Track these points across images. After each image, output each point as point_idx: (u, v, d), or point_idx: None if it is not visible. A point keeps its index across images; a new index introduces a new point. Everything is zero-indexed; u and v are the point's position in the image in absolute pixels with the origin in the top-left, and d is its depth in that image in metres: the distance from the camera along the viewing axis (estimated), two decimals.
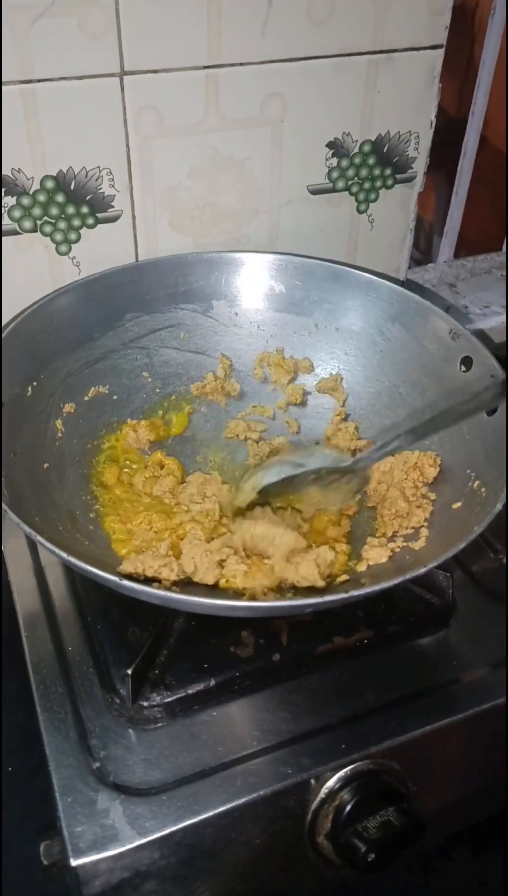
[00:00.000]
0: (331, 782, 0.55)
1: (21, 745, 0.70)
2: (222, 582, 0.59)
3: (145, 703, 0.58)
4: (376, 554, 0.60)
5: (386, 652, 0.63)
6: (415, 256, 0.96)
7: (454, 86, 1.02)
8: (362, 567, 0.59)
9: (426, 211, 1.25)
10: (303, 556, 0.58)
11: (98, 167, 0.70)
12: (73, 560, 0.49)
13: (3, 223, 0.70)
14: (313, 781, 0.55)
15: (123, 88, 0.67)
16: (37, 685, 0.60)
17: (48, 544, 0.50)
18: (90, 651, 0.62)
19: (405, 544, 0.60)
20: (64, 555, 0.49)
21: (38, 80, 0.65)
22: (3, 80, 0.63)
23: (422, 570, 0.50)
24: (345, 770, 0.56)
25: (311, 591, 0.57)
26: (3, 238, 0.71)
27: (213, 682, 0.59)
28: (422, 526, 0.60)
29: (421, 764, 0.59)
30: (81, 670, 0.61)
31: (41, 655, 0.62)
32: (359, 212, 0.83)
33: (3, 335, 0.65)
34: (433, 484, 0.64)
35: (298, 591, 0.58)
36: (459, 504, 0.60)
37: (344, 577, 0.59)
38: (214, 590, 0.57)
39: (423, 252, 1.25)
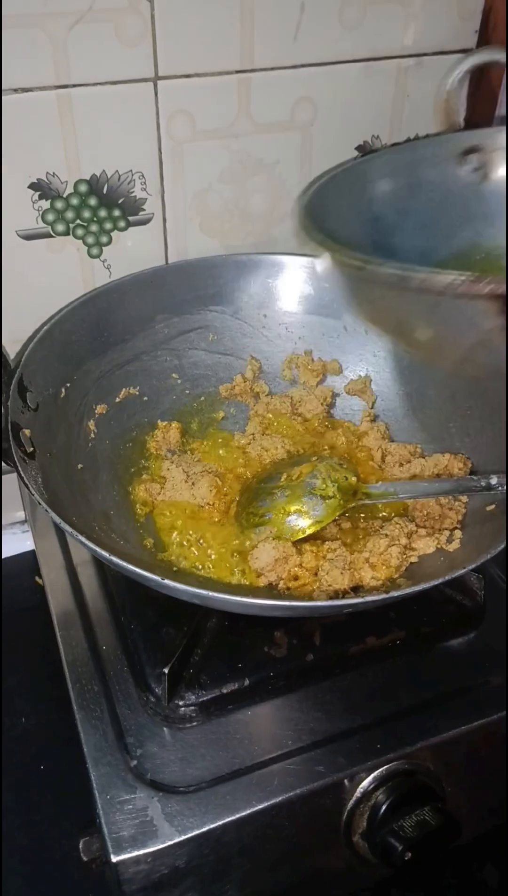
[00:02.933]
0: (366, 782, 0.56)
1: (53, 743, 0.71)
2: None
3: (181, 703, 0.58)
4: (423, 544, 0.60)
5: (418, 653, 0.63)
6: None
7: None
8: (413, 558, 0.59)
9: None
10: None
11: (131, 171, 0.71)
12: (115, 559, 0.49)
13: (37, 226, 0.71)
14: (348, 781, 0.55)
15: (156, 93, 0.68)
16: (73, 684, 0.60)
17: (89, 543, 0.50)
18: (124, 651, 0.62)
19: (439, 546, 0.60)
20: (105, 554, 0.49)
21: (74, 86, 0.65)
22: (39, 86, 0.64)
23: (461, 572, 0.50)
24: (380, 770, 0.56)
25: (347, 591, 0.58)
26: (38, 241, 0.71)
27: (247, 682, 0.59)
28: (455, 528, 0.60)
29: (455, 765, 0.59)
30: (115, 669, 0.61)
31: (76, 655, 0.62)
32: None
33: (37, 337, 0.66)
34: None
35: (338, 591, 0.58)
36: (493, 506, 0.60)
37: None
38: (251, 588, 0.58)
39: None
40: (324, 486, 0.63)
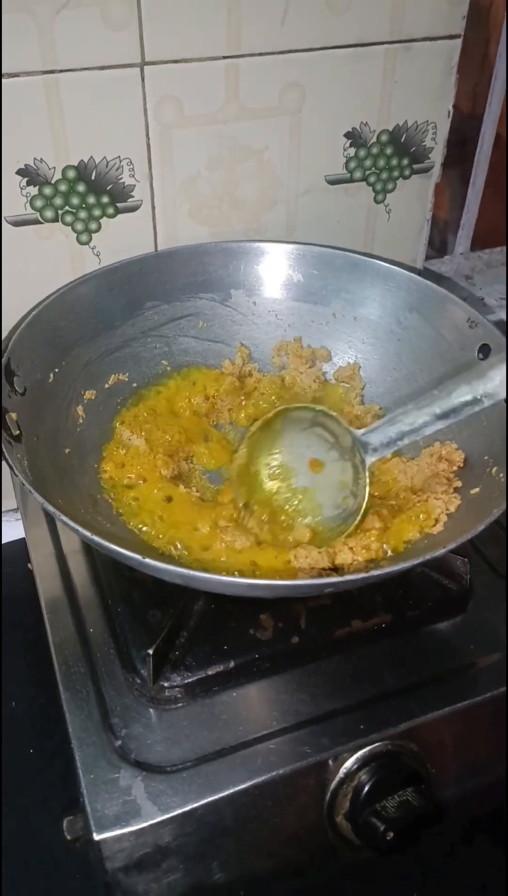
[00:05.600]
0: (350, 762, 0.56)
1: (43, 727, 0.71)
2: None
3: (166, 684, 0.58)
4: (406, 528, 0.60)
5: (404, 636, 0.63)
6: (429, 254, 0.96)
7: (468, 84, 1.02)
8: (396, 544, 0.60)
9: (441, 209, 1.25)
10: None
11: (119, 157, 0.71)
12: (96, 538, 0.49)
13: (25, 212, 0.71)
14: (331, 761, 0.56)
15: (143, 78, 0.68)
16: (59, 665, 0.60)
17: (72, 523, 0.50)
18: (111, 633, 0.63)
19: (422, 525, 0.60)
20: (87, 534, 0.49)
21: (61, 71, 0.65)
22: (26, 71, 0.64)
23: (440, 552, 0.50)
24: (364, 750, 0.56)
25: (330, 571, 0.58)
26: (26, 227, 0.72)
27: (232, 664, 0.59)
28: (443, 513, 0.61)
29: (440, 746, 0.59)
30: (102, 651, 0.62)
31: (63, 637, 0.62)
32: (376, 202, 0.83)
33: (25, 322, 0.66)
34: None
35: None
36: (477, 490, 0.60)
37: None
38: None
39: (438, 249, 1.25)
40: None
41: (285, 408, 0.68)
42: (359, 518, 0.63)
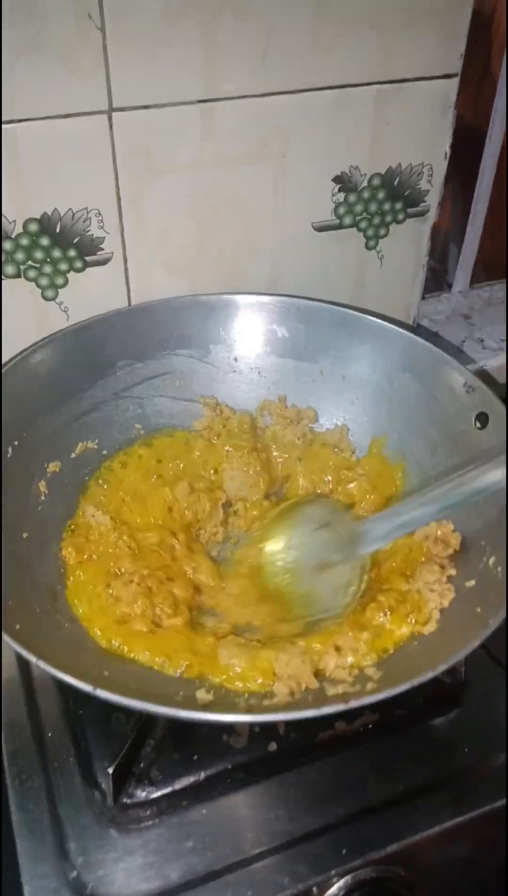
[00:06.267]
0: (329, 893, 0.51)
1: None
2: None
3: (129, 801, 0.54)
4: (397, 628, 0.55)
5: (392, 738, 0.58)
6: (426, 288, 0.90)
7: (469, 89, 0.95)
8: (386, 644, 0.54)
9: (443, 223, 1.18)
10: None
11: (86, 209, 0.66)
12: (41, 664, 0.44)
13: None
14: (309, 891, 0.50)
15: (111, 126, 0.63)
16: (12, 779, 0.55)
17: (14, 644, 0.45)
18: (71, 738, 0.57)
19: (414, 627, 0.55)
20: (33, 658, 0.44)
21: (20, 120, 0.60)
22: None
23: (430, 674, 0.45)
24: (346, 878, 0.51)
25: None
26: None
27: (203, 776, 0.55)
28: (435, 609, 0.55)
29: (431, 870, 0.54)
30: (60, 759, 0.56)
31: (19, 744, 0.57)
32: (368, 248, 0.78)
33: None
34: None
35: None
36: (473, 583, 0.55)
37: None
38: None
39: (438, 261, 1.17)
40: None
41: (301, 499, 0.65)
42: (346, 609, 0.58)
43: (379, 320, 0.70)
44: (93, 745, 0.56)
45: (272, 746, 0.56)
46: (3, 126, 0.60)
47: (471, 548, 0.59)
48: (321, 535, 0.62)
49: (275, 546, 0.64)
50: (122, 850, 0.52)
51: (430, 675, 0.45)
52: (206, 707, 0.49)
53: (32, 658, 0.44)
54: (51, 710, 0.59)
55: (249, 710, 0.49)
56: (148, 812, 0.53)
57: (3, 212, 0.63)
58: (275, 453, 0.73)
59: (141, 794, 0.54)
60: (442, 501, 0.53)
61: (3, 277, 0.66)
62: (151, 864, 0.51)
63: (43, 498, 0.63)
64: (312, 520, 0.64)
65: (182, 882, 0.50)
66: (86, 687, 0.43)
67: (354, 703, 0.43)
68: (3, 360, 0.65)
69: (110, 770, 0.52)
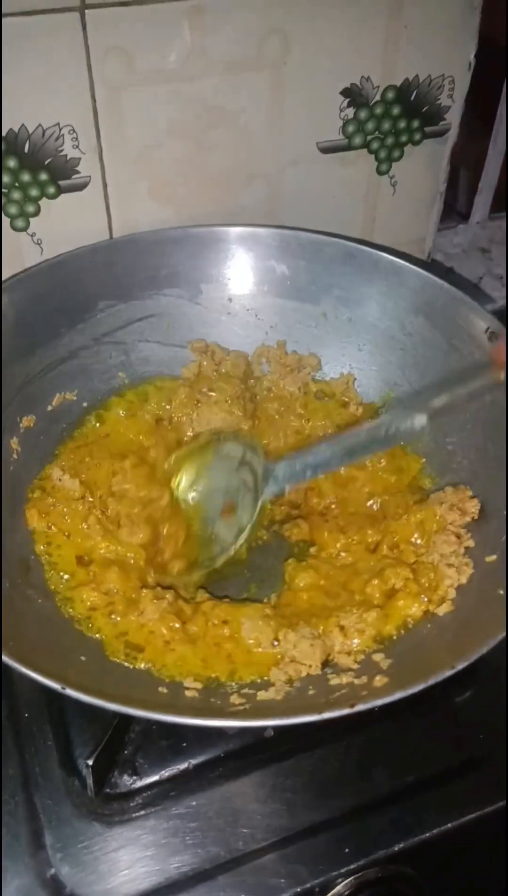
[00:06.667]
0: (333, 894, 0.46)
1: None
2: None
3: (111, 791, 0.49)
4: (409, 606, 0.49)
5: (401, 721, 0.53)
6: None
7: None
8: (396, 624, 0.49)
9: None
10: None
11: (58, 124, 0.58)
12: (6, 659, 0.38)
13: None
14: (312, 893, 0.46)
15: (84, 26, 0.55)
16: None
17: None
18: (50, 720, 0.52)
19: (427, 606, 0.49)
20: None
21: None
22: None
23: (447, 673, 0.39)
24: (349, 879, 0.46)
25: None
26: None
27: (192, 764, 0.50)
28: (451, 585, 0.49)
29: (442, 869, 0.49)
30: (37, 744, 0.52)
31: None
32: (380, 173, 0.70)
33: None
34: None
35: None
36: (494, 557, 0.49)
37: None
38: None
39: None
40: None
41: (217, 437, 0.59)
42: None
43: (391, 256, 0.62)
44: (73, 729, 0.52)
45: (269, 732, 0.51)
46: None
47: (492, 517, 0.53)
48: (235, 477, 0.58)
49: (188, 477, 0.60)
50: (104, 845, 0.47)
51: (448, 673, 0.39)
52: (193, 701, 0.44)
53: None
54: (27, 688, 0.54)
55: (241, 706, 0.44)
56: (133, 803, 0.49)
57: None
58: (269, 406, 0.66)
59: (125, 784, 0.49)
60: (352, 444, 0.52)
61: None
62: (136, 862, 0.47)
63: (15, 457, 0.57)
64: (227, 458, 0.59)
65: (170, 883, 0.46)
66: (54, 686, 0.38)
67: (361, 707, 0.38)
68: None
69: (90, 761, 0.47)
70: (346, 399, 0.65)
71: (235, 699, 0.45)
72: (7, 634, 0.42)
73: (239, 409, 0.63)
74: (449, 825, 0.48)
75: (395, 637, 0.48)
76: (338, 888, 0.47)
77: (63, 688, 0.38)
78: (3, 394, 0.57)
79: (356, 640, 0.48)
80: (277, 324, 0.66)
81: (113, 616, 0.50)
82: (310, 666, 0.47)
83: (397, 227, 0.73)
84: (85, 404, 0.62)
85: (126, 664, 0.48)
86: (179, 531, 0.56)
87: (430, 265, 0.71)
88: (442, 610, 0.48)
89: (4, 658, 0.39)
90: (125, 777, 0.50)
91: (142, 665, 0.48)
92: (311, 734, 0.52)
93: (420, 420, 0.49)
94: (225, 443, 0.59)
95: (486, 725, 0.53)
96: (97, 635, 0.49)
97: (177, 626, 0.48)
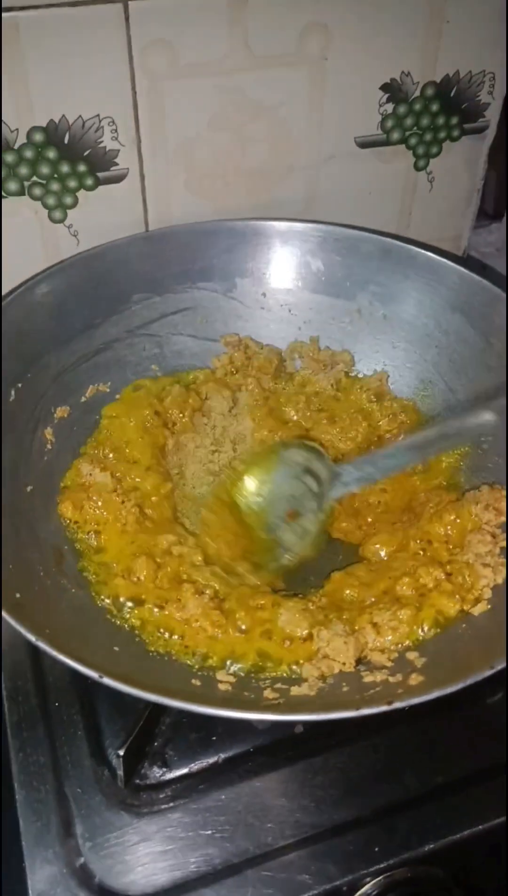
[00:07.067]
0: (360, 893, 0.46)
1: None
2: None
3: (141, 783, 0.49)
4: (444, 605, 0.49)
5: (432, 721, 0.52)
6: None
7: None
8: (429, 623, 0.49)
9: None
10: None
11: (98, 116, 0.58)
12: (41, 645, 0.38)
13: None
14: (340, 891, 0.46)
15: (127, 18, 0.55)
16: (16, 752, 0.51)
17: (12, 620, 0.40)
18: (80, 710, 0.52)
19: (462, 606, 0.49)
20: (32, 638, 0.39)
21: (22, 8, 0.52)
22: None
23: (486, 672, 0.39)
24: (378, 879, 0.46)
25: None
26: None
27: (222, 758, 0.50)
28: (486, 586, 0.49)
29: (474, 871, 0.49)
30: (68, 733, 0.52)
31: (23, 713, 0.52)
32: (417, 168, 0.70)
33: None
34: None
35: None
36: None
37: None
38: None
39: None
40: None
41: (281, 443, 0.60)
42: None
43: (429, 252, 0.61)
44: (103, 719, 0.52)
45: (299, 728, 0.51)
46: (3, 14, 0.51)
47: None
48: (299, 484, 0.58)
49: (252, 484, 0.59)
50: (133, 836, 0.47)
51: (486, 672, 0.39)
52: (226, 694, 0.44)
53: (32, 638, 0.39)
54: (58, 676, 0.54)
55: (275, 701, 0.44)
56: (162, 795, 0.49)
57: (3, 119, 0.55)
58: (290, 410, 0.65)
59: (155, 776, 0.49)
60: (421, 444, 0.51)
61: (4, 195, 0.59)
62: (163, 854, 0.46)
63: (49, 447, 0.57)
64: (293, 464, 0.59)
65: (198, 876, 0.46)
66: (92, 674, 0.38)
67: (398, 704, 0.37)
68: (5, 291, 0.58)
69: (121, 752, 0.47)
70: (379, 397, 0.64)
71: (268, 693, 0.44)
72: (43, 623, 0.42)
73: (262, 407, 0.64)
74: (480, 827, 0.48)
75: (429, 636, 0.48)
76: (366, 888, 0.46)
77: (100, 676, 0.38)
78: (40, 384, 0.57)
79: (389, 638, 0.48)
80: (311, 319, 0.66)
81: (148, 607, 0.49)
82: (343, 663, 0.47)
83: (433, 224, 0.73)
84: (117, 396, 0.62)
85: (158, 655, 0.48)
86: (240, 538, 0.56)
87: (465, 261, 0.70)
88: (478, 610, 0.48)
89: (43, 646, 0.39)
90: (155, 769, 0.50)
91: (174, 653, 0.48)
92: (340, 732, 0.52)
93: (490, 417, 0.49)
94: (290, 449, 0.59)
95: None
96: (131, 626, 0.49)
97: (217, 619, 0.48)
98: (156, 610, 0.49)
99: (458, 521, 0.54)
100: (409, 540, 0.54)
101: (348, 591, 0.51)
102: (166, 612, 0.49)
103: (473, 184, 0.72)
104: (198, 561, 0.53)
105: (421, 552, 0.53)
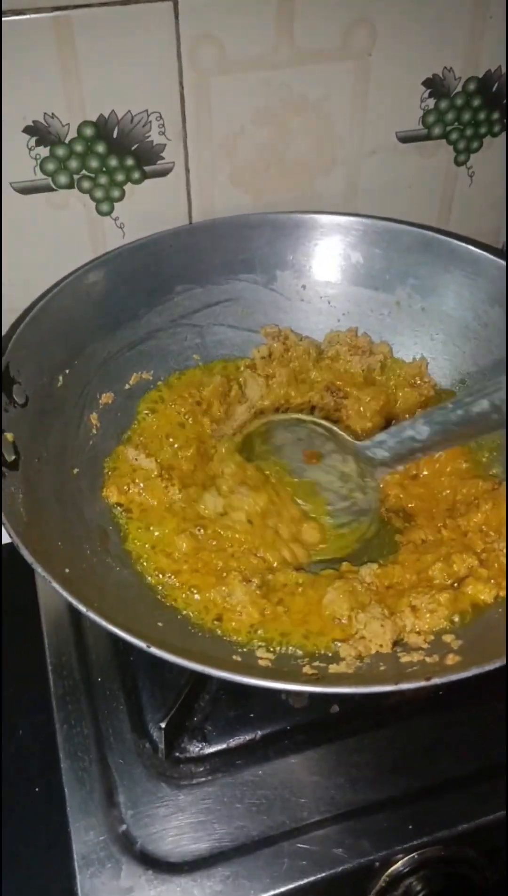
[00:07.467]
0: (394, 869, 0.47)
1: (53, 761, 0.63)
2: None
3: (181, 756, 0.51)
4: (481, 591, 0.49)
5: (467, 707, 0.53)
6: None
7: None
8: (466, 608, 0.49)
9: None
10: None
11: (146, 111, 0.59)
12: (91, 615, 0.40)
13: (35, 177, 0.60)
14: (371, 869, 0.47)
15: (177, 15, 0.56)
16: (60, 724, 0.53)
17: (64, 592, 0.41)
18: (122, 685, 0.54)
19: (499, 592, 0.50)
20: (83, 608, 0.40)
21: (75, 7, 0.53)
22: (32, 7, 0.52)
23: None
24: (412, 856, 0.47)
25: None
26: (36, 195, 0.61)
27: (259, 735, 0.52)
28: None
29: (504, 852, 0.50)
30: (110, 707, 0.54)
31: (68, 687, 0.54)
32: (458, 163, 0.70)
33: (31, 315, 0.56)
34: None
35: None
36: None
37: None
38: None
39: None
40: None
41: (268, 420, 0.60)
42: (374, 521, 0.56)
43: (469, 246, 0.62)
44: (145, 694, 0.54)
45: (334, 709, 0.52)
46: (57, 12, 0.53)
47: None
48: (299, 429, 0.59)
49: (257, 449, 0.61)
50: (173, 806, 0.49)
51: None
52: (266, 670, 0.45)
53: (83, 608, 0.41)
54: (101, 652, 0.56)
55: (314, 676, 0.45)
56: (201, 769, 0.51)
57: (56, 113, 0.57)
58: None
59: (194, 750, 0.51)
60: (455, 414, 0.49)
61: (55, 188, 0.61)
62: (202, 824, 0.48)
63: (95, 431, 0.58)
64: (283, 423, 0.60)
65: (235, 846, 0.47)
66: (140, 644, 0.39)
67: (436, 680, 0.38)
68: (54, 282, 0.60)
69: (163, 724, 0.48)
70: (420, 382, 0.65)
71: (307, 670, 0.46)
72: (91, 596, 0.44)
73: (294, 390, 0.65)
74: None
75: (466, 620, 0.49)
76: (399, 864, 0.47)
77: (148, 646, 0.39)
78: (86, 371, 0.59)
79: (427, 620, 0.49)
80: (350, 311, 0.67)
81: (192, 591, 0.51)
82: (381, 645, 0.48)
83: (472, 218, 0.73)
84: (160, 383, 0.64)
85: (200, 632, 0.50)
86: (284, 508, 0.57)
87: (505, 255, 0.70)
88: None
89: (93, 616, 0.40)
90: (194, 743, 0.51)
91: (220, 632, 0.49)
92: (376, 715, 0.53)
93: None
94: (278, 418, 0.60)
95: None
96: (174, 605, 0.51)
97: (267, 609, 0.50)
98: (197, 596, 0.51)
99: (494, 510, 0.55)
100: (445, 528, 0.55)
101: (389, 575, 0.52)
102: (210, 596, 0.50)
103: None
104: (241, 547, 0.54)
105: (455, 540, 0.54)
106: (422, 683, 0.38)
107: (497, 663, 0.39)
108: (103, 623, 0.40)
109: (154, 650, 0.39)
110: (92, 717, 0.53)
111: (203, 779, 0.50)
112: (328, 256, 0.66)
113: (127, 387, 0.62)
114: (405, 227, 0.64)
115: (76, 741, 0.52)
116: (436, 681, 0.38)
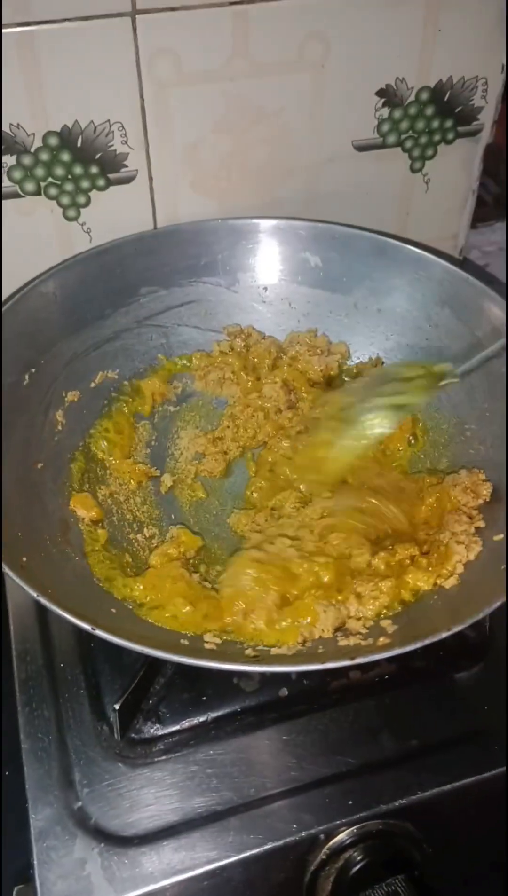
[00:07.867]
0: (334, 842, 0.50)
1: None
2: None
3: (136, 737, 0.53)
4: (419, 579, 0.52)
5: (409, 690, 0.56)
6: (478, 216, 0.84)
7: None
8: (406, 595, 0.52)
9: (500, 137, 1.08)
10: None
11: (108, 121, 0.62)
12: (42, 601, 0.43)
13: (2, 184, 0.62)
14: (313, 841, 0.49)
15: (135, 29, 0.58)
16: (23, 706, 0.55)
17: (19, 580, 0.44)
18: (83, 670, 0.57)
19: (436, 580, 0.52)
20: (34, 594, 0.43)
21: (38, 23, 0.56)
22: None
23: (443, 634, 0.42)
24: (351, 829, 0.50)
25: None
26: (5, 202, 0.63)
27: (212, 717, 0.54)
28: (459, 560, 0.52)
29: (440, 828, 0.52)
30: (71, 691, 0.56)
31: (31, 672, 0.57)
32: (413, 170, 0.73)
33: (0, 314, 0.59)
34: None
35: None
36: (501, 537, 0.52)
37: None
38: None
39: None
40: None
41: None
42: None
43: (419, 250, 0.65)
44: (103, 679, 0.56)
45: (284, 692, 0.55)
46: (19, 28, 0.56)
47: (500, 497, 0.55)
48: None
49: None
50: (126, 784, 0.51)
51: (443, 634, 0.42)
52: (212, 653, 0.48)
53: (33, 593, 0.43)
54: (63, 639, 0.58)
55: (255, 658, 0.47)
56: (155, 749, 0.53)
57: (21, 123, 0.60)
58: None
59: (149, 731, 0.53)
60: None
61: (22, 195, 0.63)
62: (155, 799, 0.50)
63: (60, 427, 0.61)
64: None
65: (185, 821, 0.49)
66: (85, 626, 0.42)
67: (360, 660, 0.41)
68: (23, 283, 0.62)
69: (117, 706, 0.51)
70: None
71: (249, 652, 0.48)
72: (46, 584, 0.47)
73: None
74: (448, 787, 0.51)
75: (405, 606, 0.51)
76: (341, 836, 0.50)
77: (93, 628, 0.42)
78: (52, 370, 0.62)
79: (370, 607, 0.51)
80: (309, 312, 0.70)
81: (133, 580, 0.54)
82: (323, 630, 0.50)
83: (430, 224, 0.76)
84: (125, 382, 0.66)
85: (152, 620, 0.53)
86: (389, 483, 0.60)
87: (461, 262, 0.73)
88: (449, 583, 0.51)
89: (44, 601, 0.43)
90: (149, 724, 0.54)
91: (167, 622, 0.52)
92: (322, 698, 0.55)
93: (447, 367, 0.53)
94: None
95: (489, 699, 0.55)
96: (125, 596, 0.53)
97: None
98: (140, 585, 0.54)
99: (438, 503, 0.58)
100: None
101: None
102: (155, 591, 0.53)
103: (469, 185, 0.75)
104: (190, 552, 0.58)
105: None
106: (346, 663, 0.41)
107: (416, 645, 0.42)
108: (52, 607, 0.43)
109: (98, 632, 0.42)
110: (53, 699, 0.55)
111: (157, 759, 0.52)
112: (288, 260, 0.69)
113: (93, 385, 0.64)
114: (360, 231, 0.67)
115: (37, 723, 0.54)
116: (360, 660, 0.41)
